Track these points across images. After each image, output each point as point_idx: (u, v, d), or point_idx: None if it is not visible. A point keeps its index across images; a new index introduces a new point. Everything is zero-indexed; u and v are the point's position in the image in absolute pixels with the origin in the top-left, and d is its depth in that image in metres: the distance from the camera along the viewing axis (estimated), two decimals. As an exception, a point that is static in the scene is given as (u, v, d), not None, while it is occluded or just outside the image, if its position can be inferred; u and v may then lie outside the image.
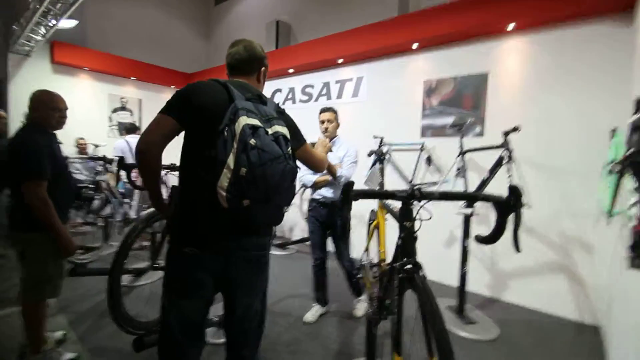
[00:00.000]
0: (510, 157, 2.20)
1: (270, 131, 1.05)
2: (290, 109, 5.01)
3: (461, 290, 2.64)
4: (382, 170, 1.87)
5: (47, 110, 1.81)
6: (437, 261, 3.47)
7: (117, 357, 1.95)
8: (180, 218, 1.15)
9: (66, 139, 4.75)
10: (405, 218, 1.00)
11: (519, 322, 2.66)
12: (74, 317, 2.41)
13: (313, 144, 2.25)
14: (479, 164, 3.16)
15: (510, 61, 3.07)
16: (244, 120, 0.98)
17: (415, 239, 1.05)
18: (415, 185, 3.62)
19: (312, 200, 2.47)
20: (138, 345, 1.59)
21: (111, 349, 2.02)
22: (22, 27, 4.01)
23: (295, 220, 4.96)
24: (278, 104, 1.25)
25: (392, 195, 0.92)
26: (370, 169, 2.55)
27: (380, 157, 1.81)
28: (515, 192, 0.87)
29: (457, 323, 2.55)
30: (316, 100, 4.72)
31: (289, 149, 1.09)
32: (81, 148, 5.14)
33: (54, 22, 3.83)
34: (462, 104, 3.35)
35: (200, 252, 1.10)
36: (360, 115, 4.19)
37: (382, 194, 0.94)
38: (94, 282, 2.94)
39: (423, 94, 3.63)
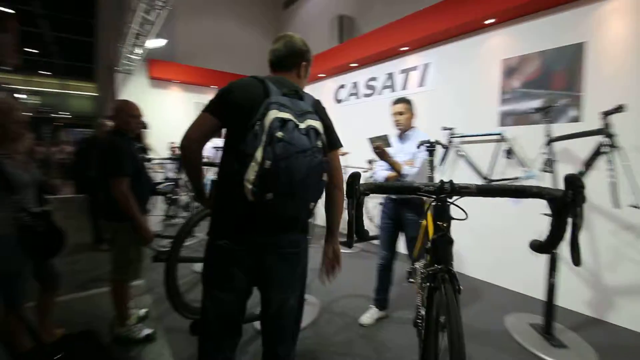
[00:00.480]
0: (612, 145, 1.74)
1: (302, 125, 1.03)
2: (353, 104, 4.99)
3: (548, 305, 2.22)
4: (431, 164, 1.65)
5: (127, 117, 2.08)
6: (520, 268, 3.02)
7: (184, 336, 2.15)
8: (216, 211, 1.19)
9: (160, 143, 5.52)
10: (438, 217, 0.85)
11: (626, 350, 2.12)
12: (156, 297, 2.75)
13: (377, 139, 2.17)
14: (574, 155, 2.62)
15: (614, 26, 2.46)
16: (273, 114, 0.98)
17: (450, 242, 0.88)
18: (492, 180, 3.20)
19: (385, 197, 2.41)
20: (194, 329, 1.71)
21: (179, 329, 2.23)
22: (122, 48, 4.76)
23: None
24: (318, 101, 1.22)
25: (417, 189, 0.78)
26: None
27: (429, 148, 1.60)
28: (573, 185, 0.65)
29: (542, 345, 2.15)
30: (380, 93, 4.52)
31: (319, 142, 1.05)
32: (173, 151, 5.88)
33: (147, 42, 4.43)
34: (552, 83, 2.81)
35: (234, 245, 1.11)
36: (427, 105, 3.84)
37: (402, 188, 0.79)
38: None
39: (501, 75, 3.17)
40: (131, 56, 4.92)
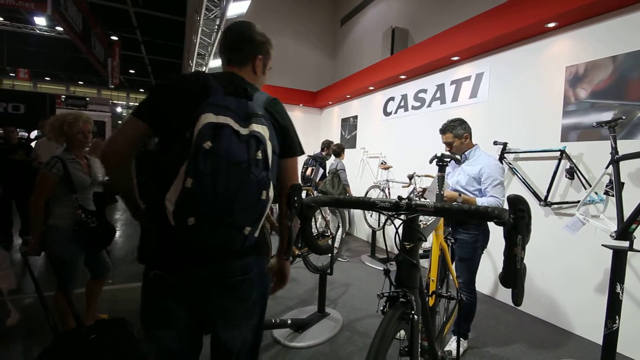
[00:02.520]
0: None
1: (244, 131, 0.85)
2: (401, 117, 4.84)
3: (606, 354, 1.85)
4: (441, 180, 1.49)
5: None
6: (578, 306, 2.59)
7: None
8: (143, 235, 1.01)
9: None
10: (404, 236, 0.78)
11: None
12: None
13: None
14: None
15: None
16: (205, 119, 0.81)
17: (413, 265, 0.80)
18: (552, 203, 2.80)
19: None
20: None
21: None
22: (190, 68, 5.35)
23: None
24: (274, 99, 1.03)
25: (373, 205, 0.72)
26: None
27: (439, 163, 1.45)
28: (514, 207, 0.54)
29: (596, 402, 1.79)
30: (429, 105, 4.33)
31: (259, 152, 0.85)
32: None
33: (210, 61, 4.92)
34: (627, 92, 2.39)
35: (168, 277, 0.93)
36: (479, 118, 3.55)
37: (358, 203, 0.73)
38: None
39: (565, 84, 2.80)
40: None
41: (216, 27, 3.98)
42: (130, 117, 0.94)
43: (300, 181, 1.23)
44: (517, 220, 0.53)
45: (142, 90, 22.58)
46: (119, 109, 21.09)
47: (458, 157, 1.90)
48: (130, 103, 23.22)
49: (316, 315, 2.60)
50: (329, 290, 2.89)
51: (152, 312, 0.98)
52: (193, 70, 5.59)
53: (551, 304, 2.80)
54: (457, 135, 2.17)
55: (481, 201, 1.99)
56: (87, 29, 8.51)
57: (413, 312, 0.76)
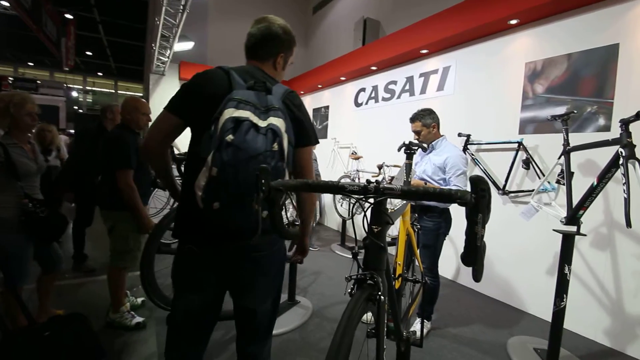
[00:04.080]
0: (630, 156, 1.54)
1: (263, 124, 0.93)
2: (372, 108, 4.89)
3: (554, 331, 2.01)
4: (409, 167, 1.54)
5: (138, 114, 2.18)
6: (531, 287, 2.79)
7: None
8: (178, 215, 1.13)
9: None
10: (372, 220, 0.79)
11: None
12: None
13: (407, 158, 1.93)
14: (595, 167, 2.37)
15: (658, 24, 2.19)
16: (228, 114, 0.90)
17: (380, 247, 0.81)
18: (510, 192, 2.98)
19: None
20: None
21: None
22: (154, 50, 5.06)
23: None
24: (292, 92, 1.11)
25: (342, 188, 0.72)
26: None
27: (407, 151, 1.49)
28: (475, 187, 0.57)
29: (544, 373, 1.95)
30: (398, 97, 4.40)
31: (275, 144, 0.93)
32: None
33: (175, 45, 4.67)
34: (579, 89, 2.56)
35: (200, 250, 1.05)
36: (446, 110, 3.63)
37: (327, 187, 0.73)
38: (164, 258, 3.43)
39: (524, 79, 2.95)
40: (161, 58, 5.21)
41: (181, 7, 3.77)
42: (163, 112, 1.06)
43: (315, 170, 1.31)
44: (478, 199, 0.55)
45: (101, 74, 21.05)
46: (74, 94, 19.54)
47: (425, 145, 1.95)
48: (87, 87, 21.58)
49: (286, 303, 2.61)
50: (299, 278, 2.90)
51: (185, 278, 1.11)
52: (168, 56, 5.30)
53: (506, 286, 2.99)
54: (425, 124, 2.23)
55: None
56: (37, 5, 7.75)
57: (380, 293, 0.78)
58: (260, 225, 0.86)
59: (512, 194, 2.99)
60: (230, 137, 0.88)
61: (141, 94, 15.14)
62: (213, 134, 0.90)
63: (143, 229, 2.12)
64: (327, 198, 5.54)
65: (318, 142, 1.21)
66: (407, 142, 1.55)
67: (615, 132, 2.30)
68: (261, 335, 1.24)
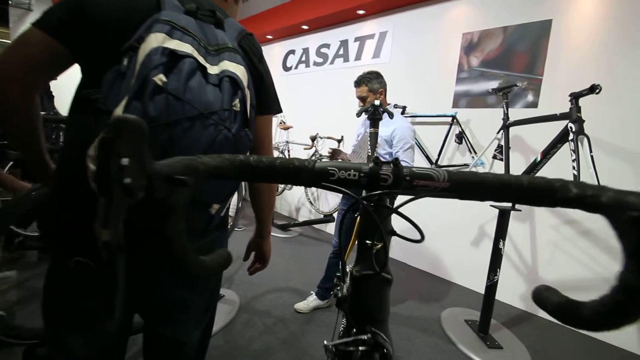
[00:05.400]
0: (579, 132, 1.50)
1: (213, 70, 0.61)
2: (302, 73, 4.45)
3: (487, 304, 2.05)
4: (374, 137, 1.24)
5: None
6: (457, 259, 2.88)
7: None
8: (55, 205, 0.66)
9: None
10: (363, 232, 0.45)
11: (557, 346, 2.04)
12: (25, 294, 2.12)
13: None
14: (528, 143, 2.44)
15: (584, 5, 2.24)
16: (155, 41, 0.55)
17: (387, 282, 0.48)
18: (441, 166, 2.98)
19: None
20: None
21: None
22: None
23: (303, 199, 4.46)
24: (249, 34, 0.77)
25: (318, 177, 0.35)
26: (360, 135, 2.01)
27: (373, 117, 1.20)
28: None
29: (478, 346, 1.97)
30: (332, 62, 4.05)
31: (236, 101, 0.63)
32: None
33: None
34: (512, 64, 2.57)
35: (96, 264, 0.64)
36: (381, 79, 3.49)
37: (266, 171, 0.36)
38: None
39: (461, 51, 2.88)
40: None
41: None
42: (33, 31, 0.60)
43: (271, 145, 0.93)
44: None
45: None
46: None
47: (392, 111, 1.68)
48: None
49: (207, 300, 2.18)
50: (222, 268, 2.47)
51: (70, 312, 0.68)
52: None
53: (434, 258, 3.06)
54: (373, 90, 1.95)
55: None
56: None
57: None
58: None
59: (443, 168, 2.99)
60: (161, 77, 0.54)
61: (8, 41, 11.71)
62: (126, 70, 0.56)
63: None
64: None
65: (281, 111, 0.89)
66: (372, 106, 1.21)
67: (543, 108, 2.37)
68: None
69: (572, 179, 1.51)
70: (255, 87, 0.75)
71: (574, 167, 1.48)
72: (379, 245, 0.46)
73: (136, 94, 0.54)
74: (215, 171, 0.34)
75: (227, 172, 0.35)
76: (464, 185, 0.34)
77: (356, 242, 0.52)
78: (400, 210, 0.44)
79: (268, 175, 0.36)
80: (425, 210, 2.92)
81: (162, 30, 0.57)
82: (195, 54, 0.60)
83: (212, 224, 0.71)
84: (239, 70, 0.65)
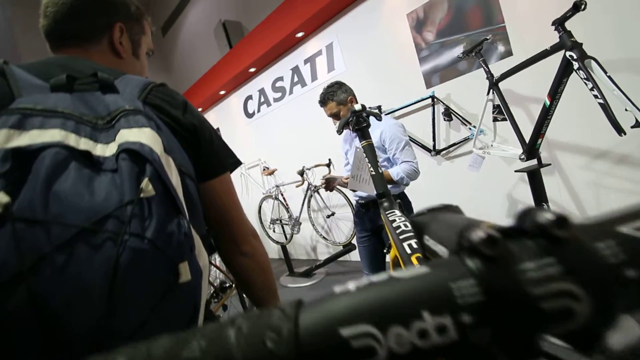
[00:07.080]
0: (582, 56, 1.29)
1: (107, 150, 0.42)
2: (266, 114, 4.30)
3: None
4: (370, 150, 0.97)
5: None
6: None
7: None
8: None
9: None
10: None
11: None
12: None
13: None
14: (525, 94, 2.24)
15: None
16: None
17: None
18: (441, 150, 2.76)
19: (355, 200, 1.85)
20: None
21: None
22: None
23: (314, 236, 4.17)
24: (160, 85, 0.59)
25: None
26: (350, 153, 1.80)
27: (359, 127, 0.93)
28: None
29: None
30: (290, 92, 3.92)
31: (149, 183, 0.40)
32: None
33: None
34: (469, 23, 2.43)
35: None
36: (345, 90, 3.33)
37: None
38: None
39: (411, 31, 2.74)
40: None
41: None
42: None
43: (242, 212, 0.70)
44: None
45: None
46: None
47: (379, 113, 1.46)
48: None
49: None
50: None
51: None
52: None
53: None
54: (341, 102, 1.75)
55: (395, 171, 1.62)
56: None
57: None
58: None
59: (444, 152, 2.77)
60: (2, 196, 0.34)
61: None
62: None
63: None
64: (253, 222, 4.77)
65: (240, 163, 0.73)
66: (353, 113, 0.94)
67: (519, 54, 2.19)
68: None
69: (600, 109, 1.28)
70: (189, 146, 0.57)
71: (596, 96, 1.25)
72: None
73: None
74: None
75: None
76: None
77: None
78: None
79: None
80: (444, 201, 2.66)
81: (5, 124, 0.38)
82: (70, 139, 0.40)
83: None
84: (144, 135, 0.43)
